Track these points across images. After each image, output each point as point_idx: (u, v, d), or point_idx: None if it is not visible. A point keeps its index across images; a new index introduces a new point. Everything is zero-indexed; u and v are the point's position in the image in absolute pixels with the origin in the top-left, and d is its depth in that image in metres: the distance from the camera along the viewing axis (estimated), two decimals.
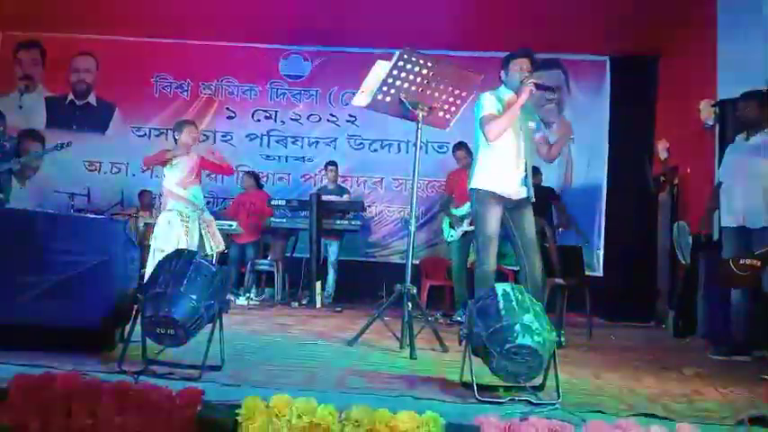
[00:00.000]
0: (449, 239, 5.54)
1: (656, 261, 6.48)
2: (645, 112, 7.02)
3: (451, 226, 5.47)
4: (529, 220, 3.52)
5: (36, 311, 2.32)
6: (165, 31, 7.51)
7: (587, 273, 5.48)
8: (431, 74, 3.23)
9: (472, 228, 5.22)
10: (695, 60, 6.01)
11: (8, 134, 6.03)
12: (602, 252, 7.09)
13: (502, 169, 3.49)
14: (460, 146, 5.61)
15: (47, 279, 2.34)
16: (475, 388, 2.01)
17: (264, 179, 7.53)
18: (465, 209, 5.26)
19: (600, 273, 7.01)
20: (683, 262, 5.26)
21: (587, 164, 7.30)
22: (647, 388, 2.53)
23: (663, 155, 6.37)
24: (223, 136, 7.79)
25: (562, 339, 2.07)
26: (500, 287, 2.11)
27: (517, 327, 1.96)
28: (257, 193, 6.83)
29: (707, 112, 5.49)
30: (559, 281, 4.15)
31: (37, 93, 8.07)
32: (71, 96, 8.05)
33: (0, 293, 2.30)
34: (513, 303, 2.03)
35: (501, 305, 2.02)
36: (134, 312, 2.20)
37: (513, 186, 3.49)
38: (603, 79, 7.35)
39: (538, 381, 2.11)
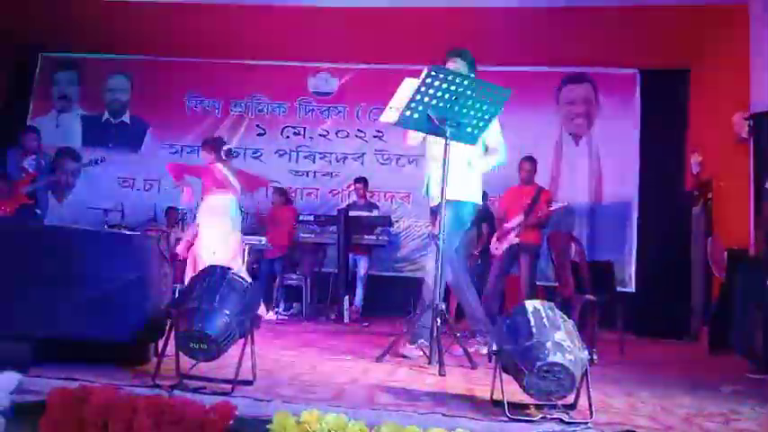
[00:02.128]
0: (493, 251, 5.53)
1: (689, 276, 6.34)
2: (676, 125, 6.93)
3: (498, 239, 5.46)
4: (443, 224, 3.50)
5: (72, 326, 2.36)
6: (197, 51, 7.69)
7: (619, 288, 5.40)
8: (459, 90, 3.23)
9: (518, 240, 5.25)
10: (727, 72, 5.92)
11: (44, 151, 6.23)
12: (633, 267, 6.98)
13: (429, 176, 3.72)
14: (524, 159, 5.58)
15: (83, 294, 2.40)
16: (506, 406, 1.99)
17: (293, 194, 7.62)
18: (514, 222, 5.29)
19: (632, 288, 6.89)
20: (718, 277, 5.15)
21: (618, 178, 7.21)
22: (682, 407, 2.47)
23: (696, 168, 6.27)
24: (253, 152, 7.93)
25: (594, 357, 2.04)
26: (530, 304, 2.09)
27: (548, 344, 1.94)
28: (285, 208, 6.92)
29: (740, 125, 5.39)
30: (590, 297, 4.10)
31: (73, 112, 8.33)
32: (106, 115, 8.28)
33: (38, 308, 2.36)
34: (544, 320, 2.01)
35: (532, 322, 2.00)
36: (168, 327, 2.24)
37: (434, 192, 3.63)
38: (633, 93, 7.29)
39: (570, 399, 2.09)
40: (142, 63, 8.10)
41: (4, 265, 2.36)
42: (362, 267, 6.59)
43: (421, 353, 3.34)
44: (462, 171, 3.63)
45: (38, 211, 5.80)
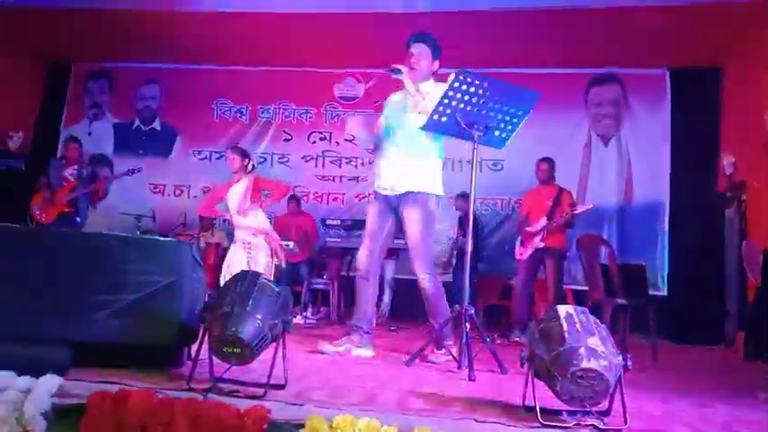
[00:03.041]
0: (518, 257, 5.46)
1: (723, 280, 6.22)
2: (708, 125, 6.79)
3: (523, 244, 5.41)
4: (409, 218, 3.47)
5: (109, 330, 2.42)
6: (225, 59, 7.81)
7: (651, 292, 5.31)
8: (486, 93, 3.22)
9: (543, 244, 5.20)
10: (760, 71, 5.79)
11: (84, 161, 6.41)
12: (665, 271, 6.87)
13: (380, 165, 3.62)
14: (542, 160, 5.56)
15: (119, 299, 2.45)
16: (538, 412, 1.98)
17: (319, 199, 7.68)
18: (538, 226, 5.25)
19: (664, 292, 6.77)
20: (754, 281, 5.03)
21: (648, 180, 7.10)
22: (719, 414, 2.42)
23: (729, 169, 6.14)
24: (280, 158, 8.01)
25: (629, 363, 2.01)
26: (563, 308, 2.08)
27: (581, 350, 1.92)
28: (302, 215, 7.00)
29: None
30: (621, 301, 4.04)
31: (105, 120, 8.52)
32: (137, 122, 8.45)
33: (77, 312, 2.42)
34: (577, 325, 1.99)
35: (564, 327, 1.98)
36: (201, 331, 2.27)
37: (390, 181, 3.55)
38: (663, 93, 7.18)
39: (604, 405, 2.06)
40: (172, 71, 8.25)
41: (44, 271, 2.42)
42: (389, 271, 6.59)
43: (449, 356, 3.33)
44: (421, 159, 3.54)
45: (77, 219, 5.96)
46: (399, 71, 3.52)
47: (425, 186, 3.51)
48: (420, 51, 3.61)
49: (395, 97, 3.75)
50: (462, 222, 6.71)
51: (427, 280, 3.48)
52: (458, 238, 6.60)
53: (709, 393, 2.94)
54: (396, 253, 6.54)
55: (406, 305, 6.71)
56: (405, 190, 3.51)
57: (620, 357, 2.00)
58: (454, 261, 6.71)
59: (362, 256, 3.65)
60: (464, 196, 6.90)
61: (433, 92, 3.42)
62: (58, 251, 2.51)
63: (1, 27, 6.97)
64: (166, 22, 6.83)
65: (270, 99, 8.11)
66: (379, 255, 3.66)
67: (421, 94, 3.47)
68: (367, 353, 3.54)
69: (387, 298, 6.55)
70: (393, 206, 3.58)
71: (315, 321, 6.10)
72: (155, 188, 8.12)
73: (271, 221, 7.18)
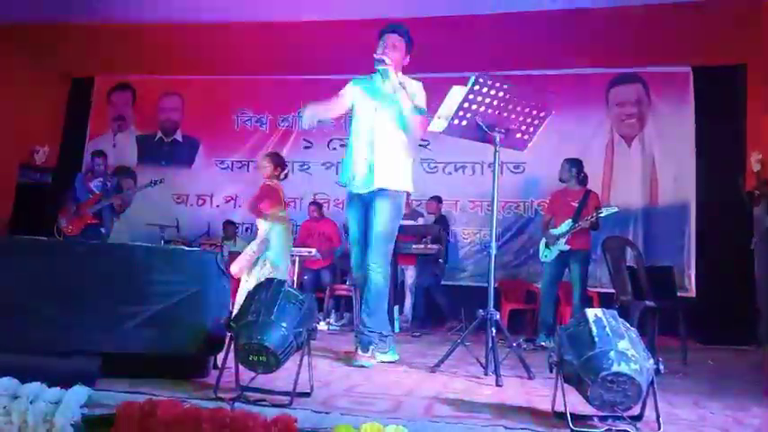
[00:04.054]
0: (543, 259, 5.39)
1: (752, 279, 6.07)
2: (734, 122, 6.65)
3: (547, 246, 5.33)
4: (378, 209, 3.41)
5: (137, 340, 2.44)
6: (244, 69, 7.88)
7: (679, 293, 5.21)
8: (507, 96, 3.21)
9: (569, 247, 5.12)
10: None
11: (109, 174, 6.52)
12: (693, 272, 6.74)
13: (352, 163, 3.56)
14: (564, 161, 5.47)
15: (146, 309, 2.47)
16: (569, 418, 1.95)
17: (340, 205, 7.68)
18: (563, 228, 5.17)
19: (692, 293, 6.65)
20: None
21: (674, 181, 6.98)
22: (754, 418, 2.36)
23: (756, 167, 6.00)
24: (301, 165, 8.04)
25: (660, 366, 1.97)
26: (591, 312, 2.04)
27: (612, 354, 1.88)
28: (324, 220, 7.01)
29: None
30: (650, 303, 3.97)
31: (129, 132, 8.65)
32: (159, 134, 8.57)
33: (104, 323, 2.44)
34: (607, 329, 1.95)
35: (594, 331, 1.95)
36: (227, 340, 2.28)
37: (363, 180, 3.48)
38: (687, 91, 7.06)
39: (636, 410, 2.02)
40: (193, 82, 8.35)
41: (71, 282, 2.45)
42: (410, 277, 6.57)
43: (375, 359, 3.31)
44: (393, 157, 3.50)
45: (102, 230, 6.05)
46: (384, 62, 3.50)
47: (397, 184, 3.50)
48: (396, 42, 3.62)
49: (363, 83, 3.75)
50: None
51: (378, 272, 3.40)
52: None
53: (742, 395, 2.86)
54: (416, 259, 6.52)
55: (427, 310, 6.68)
56: (377, 187, 3.48)
57: (652, 361, 1.96)
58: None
59: (355, 265, 3.64)
60: (436, 199, 6.88)
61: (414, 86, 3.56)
62: (86, 263, 2.54)
63: (25, 43, 7.13)
64: (186, 34, 6.92)
65: (289, 107, 8.15)
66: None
67: (403, 87, 3.50)
68: (391, 357, 3.51)
69: (409, 303, 6.53)
70: (366, 204, 3.53)
71: (338, 328, 6.10)
72: (178, 198, 8.22)
73: (296, 228, 7.25)
